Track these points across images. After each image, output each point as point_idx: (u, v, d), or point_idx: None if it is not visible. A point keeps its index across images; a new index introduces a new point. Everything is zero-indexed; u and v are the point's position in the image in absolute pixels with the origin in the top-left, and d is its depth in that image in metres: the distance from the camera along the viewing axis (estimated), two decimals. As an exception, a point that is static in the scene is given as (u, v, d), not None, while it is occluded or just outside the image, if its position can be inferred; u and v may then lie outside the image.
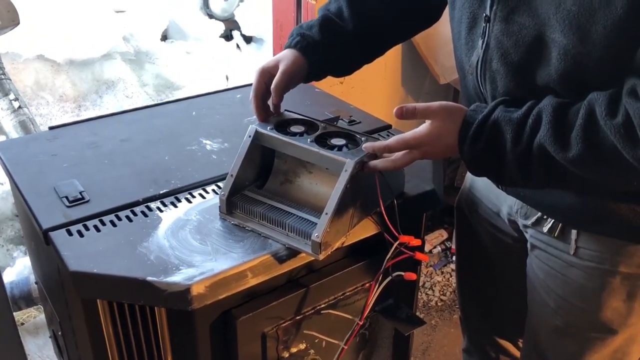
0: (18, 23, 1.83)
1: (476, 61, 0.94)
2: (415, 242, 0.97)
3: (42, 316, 1.84)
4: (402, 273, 0.94)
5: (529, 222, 1.05)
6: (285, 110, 1.10)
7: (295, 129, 1.05)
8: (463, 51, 0.98)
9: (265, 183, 1.10)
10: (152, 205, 1.07)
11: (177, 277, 0.90)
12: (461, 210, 1.28)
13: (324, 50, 1.10)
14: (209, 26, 3.18)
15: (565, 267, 1.01)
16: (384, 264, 0.96)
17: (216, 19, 3.25)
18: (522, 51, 0.86)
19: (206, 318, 0.95)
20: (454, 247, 2.36)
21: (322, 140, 1.03)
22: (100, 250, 0.96)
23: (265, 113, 1.07)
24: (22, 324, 1.85)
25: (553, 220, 1.00)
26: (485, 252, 1.25)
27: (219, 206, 1.04)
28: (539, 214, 1.03)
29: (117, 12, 2.74)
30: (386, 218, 0.97)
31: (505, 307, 1.28)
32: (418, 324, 1.11)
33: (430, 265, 2.33)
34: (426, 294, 2.23)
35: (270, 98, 1.06)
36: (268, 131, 1.03)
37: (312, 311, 1.04)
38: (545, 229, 1.02)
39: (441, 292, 2.23)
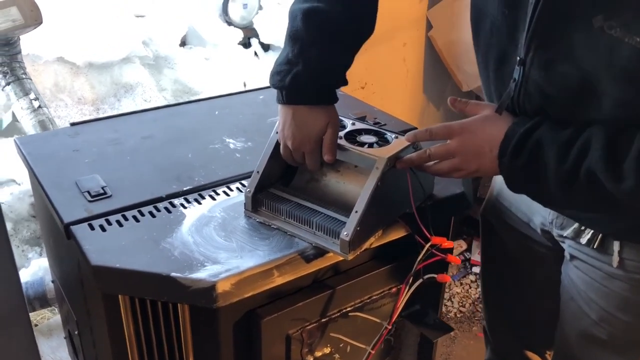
0: (41, 22, 1.83)
1: (510, 97, 0.88)
2: (448, 244, 0.93)
3: (56, 317, 1.81)
4: (435, 275, 0.91)
5: (565, 233, 1.01)
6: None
7: (323, 125, 1.02)
8: (492, 84, 0.95)
9: (291, 181, 1.07)
10: (176, 201, 1.05)
11: (202, 274, 0.87)
12: (487, 219, 1.24)
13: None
14: (228, 33, 3.17)
15: (607, 278, 0.96)
16: (415, 265, 0.93)
17: (235, 26, 3.25)
18: (568, 98, 0.81)
19: (230, 317, 0.92)
20: (473, 257, 2.32)
21: (351, 138, 1.01)
22: (122, 245, 0.93)
23: (319, 164, 1.00)
24: (36, 325, 1.83)
25: (592, 232, 0.96)
26: (513, 261, 1.21)
27: (244, 203, 1.02)
28: (577, 224, 0.98)
29: (137, 16, 2.74)
30: (418, 218, 0.93)
31: (533, 317, 1.24)
32: (446, 330, 1.08)
33: (449, 276, 2.29)
34: (445, 305, 2.18)
35: (322, 154, 0.97)
36: (296, 127, 1.00)
37: (338, 314, 1.01)
38: (583, 241, 0.97)
39: (460, 304, 2.19)
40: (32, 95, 1.88)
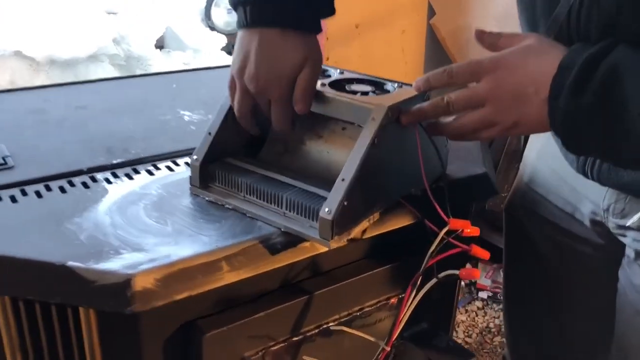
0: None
1: (568, 9, 0.64)
2: (472, 230, 0.66)
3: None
4: (456, 271, 0.63)
5: (628, 223, 0.75)
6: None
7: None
8: (539, 3, 0.70)
9: (257, 154, 0.80)
10: (99, 175, 0.78)
11: (114, 264, 0.60)
12: (513, 214, 0.97)
13: None
14: (210, 38, 2.94)
15: None
16: (426, 259, 0.65)
17: (218, 31, 3.01)
18: None
19: (158, 329, 0.64)
20: (479, 282, 2.04)
21: (338, 87, 0.74)
22: (9, 225, 0.66)
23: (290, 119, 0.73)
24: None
25: None
26: (547, 268, 0.94)
27: (190, 177, 0.75)
28: None
29: (109, 13, 2.51)
30: (430, 194, 0.66)
31: (573, 342, 0.97)
32: (464, 356, 0.79)
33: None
34: (447, 335, 1.90)
35: (294, 103, 0.70)
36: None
37: (317, 330, 0.73)
38: None
39: (466, 334, 1.91)
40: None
